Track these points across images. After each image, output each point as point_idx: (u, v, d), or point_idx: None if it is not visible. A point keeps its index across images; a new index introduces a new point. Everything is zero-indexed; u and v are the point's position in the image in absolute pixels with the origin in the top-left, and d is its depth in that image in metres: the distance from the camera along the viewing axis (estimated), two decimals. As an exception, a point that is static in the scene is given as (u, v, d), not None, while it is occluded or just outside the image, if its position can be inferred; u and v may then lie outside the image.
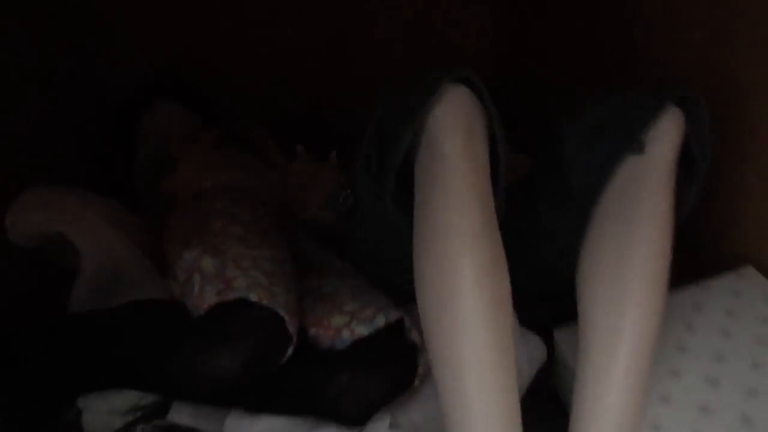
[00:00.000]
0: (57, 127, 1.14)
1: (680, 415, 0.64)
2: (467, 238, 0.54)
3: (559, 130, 0.70)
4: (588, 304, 0.62)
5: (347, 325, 0.69)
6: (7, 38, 0.99)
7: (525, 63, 1.38)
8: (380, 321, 0.69)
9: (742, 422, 0.62)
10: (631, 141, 0.61)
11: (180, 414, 0.70)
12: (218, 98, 1.29)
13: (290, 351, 0.66)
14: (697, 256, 0.86)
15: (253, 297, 0.64)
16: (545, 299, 0.76)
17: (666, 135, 0.61)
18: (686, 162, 0.64)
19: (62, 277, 0.91)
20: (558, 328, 0.73)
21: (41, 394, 0.78)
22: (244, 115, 1.26)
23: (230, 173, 0.95)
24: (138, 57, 1.31)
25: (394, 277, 0.77)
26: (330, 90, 1.37)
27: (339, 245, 0.90)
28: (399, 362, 0.67)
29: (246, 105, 1.30)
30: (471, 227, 0.55)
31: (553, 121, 0.73)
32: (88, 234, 0.85)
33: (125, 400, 0.75)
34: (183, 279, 0.68)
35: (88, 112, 1.24)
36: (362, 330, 0.69)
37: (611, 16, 1.00)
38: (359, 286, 0.76)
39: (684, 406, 0.64)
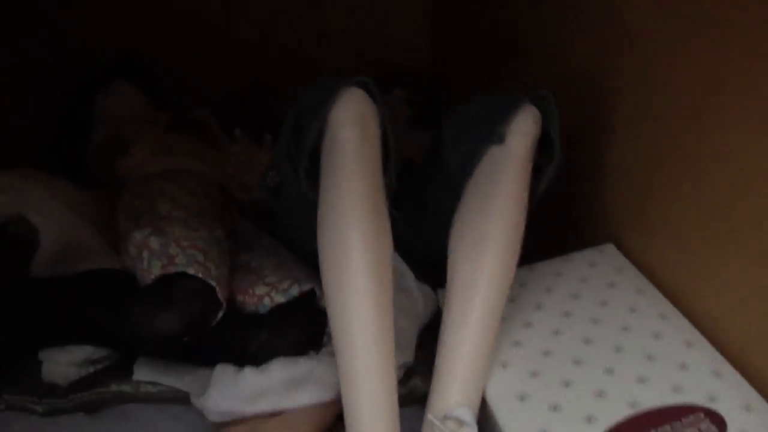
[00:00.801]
0: (16, 108, 1.23)
1: (527, 355, 0.77)
2: (354, 211, 0.69)
3: (440, 125, 0.87)
4: (454, 262, 0.77)
5: (268, 294, 0.86)
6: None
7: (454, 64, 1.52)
8: (294, 290, 0.86)
9: (574, 364, 0.74)
10: (493, 133, 0.78)
11: (142, 371, 0.85)
12: (167, 79, 1.41)
13: (220, 314, 0.82)
14: (566, 238, 1.05)
15: (191, 270, 0.79)
16: (433, 263, 0.90)
17: (521, 128, 0.77)
18: (546, 152, 0.80)
19: (23, 245, 1.04)
20: (441, 287, 0.88)
21: (6, 346, 0.90)
22: (190, 96, 1.38)
23: (178, 159, 1.09)
24: (94, 39, 1.40)
25: (310, 243, 0.93)
26: (270, 72, 1.49)
27: (269, 224, 1.06)
28: (309, 323, 0.84)
29: (191, 86, 1.42)
30: (357, 201, 0.69)
31: (442, 118, 0.90)
32: (45, 214, 0.97)
33: (82, 353, 0.89)
34: (134, 254, 0.83)
35: (46, 93, 1.34)
36: (280, 298, 0.85)
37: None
38: (282, 262, 0.92)
39: (531, 350, 0.77)
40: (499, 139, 0.78)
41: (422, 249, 0.95)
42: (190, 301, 0.79)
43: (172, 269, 0.79)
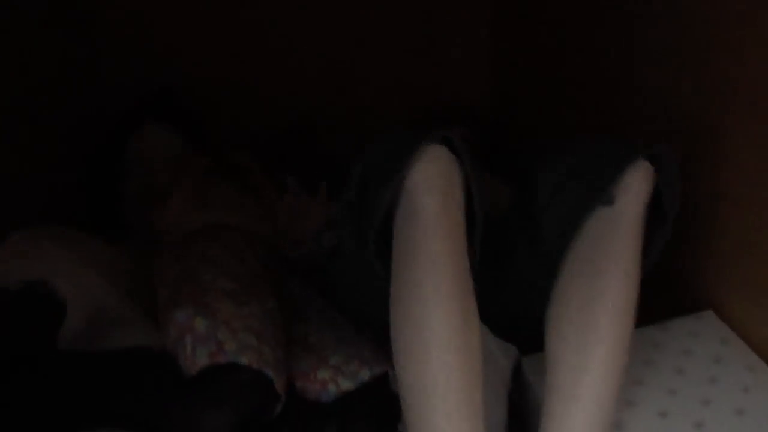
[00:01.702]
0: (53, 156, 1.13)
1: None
2: (439, 299, 0.57)
3: (532, 177, 0.73)
4: (555, 343, 0.64)
5: (333, 378, 0.72)
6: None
7: (519, 92, 1.39)
8: (365, 375, 0.72)
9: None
10: (601, 193, 0.64)
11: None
12: (205, 119, 1.29)
13: (279, 408, 0.69)
14: (660, 302, 0.91)
15: (243, 360, 0.67)
16: (515, 337, 0.79)
17: (634, 188, 0.63)
18: (654, 213, 0.67)
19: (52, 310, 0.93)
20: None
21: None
22: (233, 137, 1.26)
23: (220, 212, 0.96)
24: (132, 74, 1.30)
25: (373, 312, 0.80)
26: (323, 110, 1.37)
27: (320, 281, 0.92)
28: (383, 414, 0.71)
29: (226, 127, 1.30)
30: (443, 288, 0.57)
31: (528, 168, 0.76)
32: (71, 280, 0.85)
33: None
34: (175, 336, 0.71)
35: (82, 128, 1.23)
36: (348, 384, 0.72)
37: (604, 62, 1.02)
38: (344, 336, 0.79)
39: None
40: (609, 200, 0.64)
41: (499, 313, 0.81)
42: (244, 396, 0.66)
43: (221, 359, 0.67)
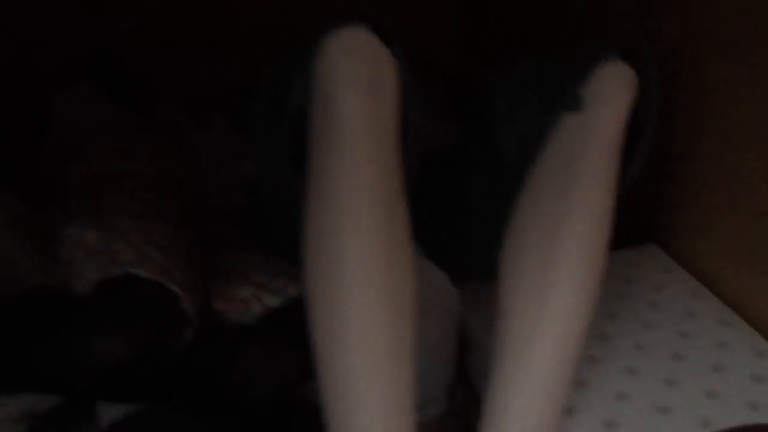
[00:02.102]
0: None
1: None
2: (361, 221, 0.43)
3: (486, 90, 0.63)
4: (508, 284, 0.53)
5: (255, 296, 0.62)
6: None
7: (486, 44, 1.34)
8: (294, 291, 0.61)
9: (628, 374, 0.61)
10: (568, 96, 0.53)
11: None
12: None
13: (189, 334, 0.58)
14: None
15: (142, 272, 0.56)
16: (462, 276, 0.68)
17: (610, 90, 0.52)
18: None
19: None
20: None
21: None
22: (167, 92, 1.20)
23: (139, 163, 0.86)
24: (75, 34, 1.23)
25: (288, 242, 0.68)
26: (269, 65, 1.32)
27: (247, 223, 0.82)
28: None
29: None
30: (364, 204, 0.44)
31: (482, 81, 0.65)
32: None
33: (21, 404, 0.67)
34: (66, 258, 0.60)
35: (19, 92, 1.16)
36: (273, 300, 0.61)
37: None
38: (269, 259, 0.68)
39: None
40: (577, 104, 0.53)
41: (450, 261, 0.70)
42: (143, 314, 0.55)
43: (115, 270, 0.56)
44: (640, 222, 0.81)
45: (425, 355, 0.60)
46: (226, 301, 0.62)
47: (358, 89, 0.44)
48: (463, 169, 0.68)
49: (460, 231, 0.70)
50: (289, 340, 0.59)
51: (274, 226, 0.70)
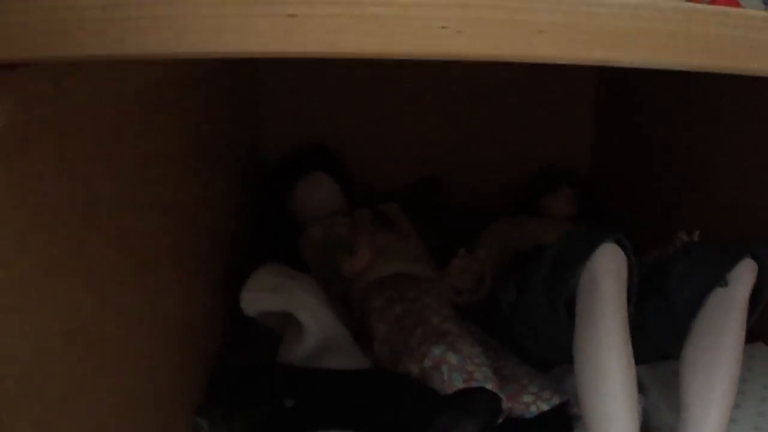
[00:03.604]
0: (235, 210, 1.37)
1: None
2: (613, 348, 0.88)
3: (664, 265, 1.06)
4: (686, 389, 0.95)
5: (534, 402, 1.02)
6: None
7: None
8: (556, 400, 1.02)
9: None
10: (720, 278, 0.96)
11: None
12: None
13: (500, 419, 0.98)
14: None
15: (489, 386, 0.96)
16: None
17: (743, 277, 0.96)
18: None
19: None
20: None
21: (278, 428, 1.04)
22: (370, 191, 1.54)
23: (399, 261, 1.25)
24: (287, 130, 1.55)
25: (540, 352, 1.11)
26: (437, 169, 1.65)
27: (484, 323, 1.22)
28: (568, 427, 1.01)
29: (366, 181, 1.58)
30: (618, 341, 0.88)
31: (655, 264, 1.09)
32: (311, 313, 1.12)
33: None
34: (430, 365, 0.99)
35: (246, 181, 1.48)
36: (545, 406, 1.02)
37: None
38: (527, 370, 1.09)
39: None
40: (725, 283, 0.97)
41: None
42: (488, 412, 0.95)
43: (473, 384, 0.96)
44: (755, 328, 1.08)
45: None
46: (514, 402, 1.02)
47: (612, 276, 0.89)
48: (642, 317, 1.10)
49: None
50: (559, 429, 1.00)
51: (523, 334, 1.12)
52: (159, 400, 0.87)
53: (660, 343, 1.08)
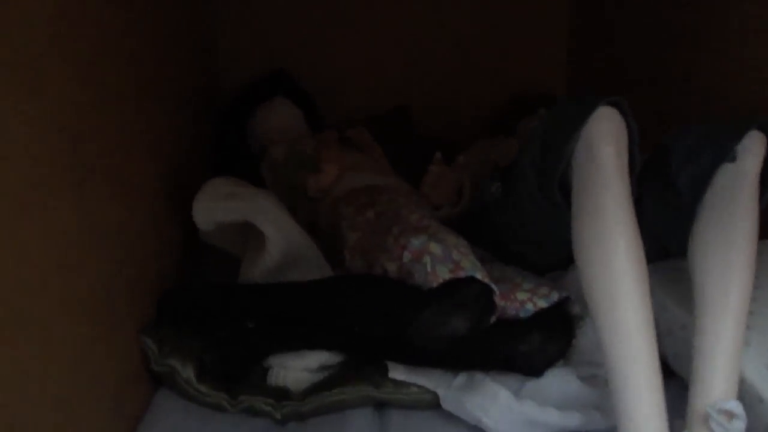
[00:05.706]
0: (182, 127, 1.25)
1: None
2: (620, 219, 0.75)
3: (664, 145, 0.94)
4: (701, 273, 0.83)
5: (530, 299, 0.90)
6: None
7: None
8: (554, 296, 0.90)
9: None
10: (727, 152, 0.85)
11: (397, 371, 0.87)
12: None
13: (493, 319, 0.85)
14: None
15: (478, 275, 0.83)
16: None
17: (753, 149, 0.84)
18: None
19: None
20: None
21: (241, 347, 0.92)
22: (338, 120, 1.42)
23: (369, 174, 1.12)
24: (244, 57, 1.43)
25: (532, 255, 1.00)
26: (411, 97, 1.55)
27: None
28: (570, 327, 0.89)
29: (336, 106, 1.46)
30: (622, 212, 0.76)
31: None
32: (272, 221, 0.99)
33: (318, 358, 0.91)
34: (409, 259, 0.86)
35: (204, 108, 1.36)
36: (542, 303, 0.90)
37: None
38: (521, 272, 0.97)
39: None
40: (733, 157, 0.85)
41: None
42: (479, 303, 0.82)
43: (461, 273, 0.83)
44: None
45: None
46: (507, 301, 0.90)
47: (609, 142, 0.77)
48: (640, 195, 0.98)
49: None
50: (560, 330, 0.87)
51: (512, 235, 1.00)
52: (104, 317, 0.78)
53: (663, 237, 0.96)
